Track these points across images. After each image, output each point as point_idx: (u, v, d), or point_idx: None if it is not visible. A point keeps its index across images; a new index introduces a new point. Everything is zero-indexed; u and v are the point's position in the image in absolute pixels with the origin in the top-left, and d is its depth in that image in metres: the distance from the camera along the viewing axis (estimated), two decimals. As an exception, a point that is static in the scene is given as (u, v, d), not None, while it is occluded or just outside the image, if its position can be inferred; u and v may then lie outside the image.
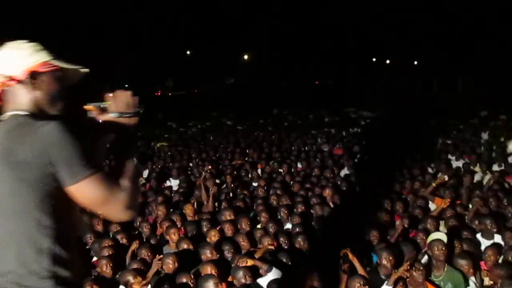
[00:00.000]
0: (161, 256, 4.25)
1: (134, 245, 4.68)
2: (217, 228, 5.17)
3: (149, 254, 4.51)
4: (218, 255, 4.42)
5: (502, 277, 3.74)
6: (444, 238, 4.22)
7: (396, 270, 3.87)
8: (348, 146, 11.13)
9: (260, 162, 9.58)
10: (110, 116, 1.76)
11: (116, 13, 28.29)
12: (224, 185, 7.67)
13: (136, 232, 5.68)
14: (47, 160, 1.49)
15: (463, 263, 4.07)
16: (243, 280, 3.79)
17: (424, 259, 4.28)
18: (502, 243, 4.61)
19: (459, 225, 5.11)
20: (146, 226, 5.61)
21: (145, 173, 9.17)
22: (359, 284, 3.65)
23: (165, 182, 8.41)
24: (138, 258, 4.50)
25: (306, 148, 11.33)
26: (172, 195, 7.31)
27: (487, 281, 4.08)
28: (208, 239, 4.87)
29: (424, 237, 4.66)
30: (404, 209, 5.90)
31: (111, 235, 5.26)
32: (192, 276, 3.84)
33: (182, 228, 5.39)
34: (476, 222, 5.10)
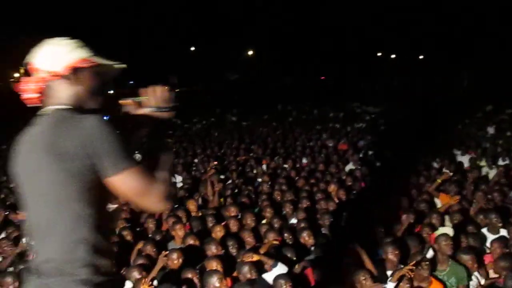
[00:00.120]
0: (167, 252, 4.26)
1: (140, 245, 4.69)
2: (222, 224, 5.18)
3: (154, 250, 4.53)
4: (223, 251, 4.43)
5: (506, 269, 3.74)
6: (451, 232, 4.22)
7: (402, 266, 3.87)
8: (353, 142, 11.11)
9: (264, 158, 9.58)
10: (146, 110, 1.81)
11: (116, 13, 28.35)
12: (229, 181, 7.68)
13: (141, 229, 5.69)
14: (89, 153, 1.54)
15: (466, 258, 4.07)
16: (248, 276, 3.80)
17: (429, 254, 4.27)
18: (508, 237, 4.59)
19: (464, 220, 5.09)
20: (152, 222, 5.62)
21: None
22: (363, 278, 3.65)
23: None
24: (143, 254, 4.52)
25: (311, 143, 11.32)
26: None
27: (492, 274, 4.07)
28: (213, 235, 4.88)
29: (429, 232, 4.65)
30: (409, 204, 5.88)
31: (116, 232, 5.28)
32: (197, 272, 3.86)
33: (187, 224, 5.41)
34: (481, 217, 5.08)
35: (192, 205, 5.93)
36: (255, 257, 3.97)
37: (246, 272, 3.81)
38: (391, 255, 4.10)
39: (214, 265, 3.88)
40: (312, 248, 4.55)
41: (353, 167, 8.38)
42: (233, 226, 5.14)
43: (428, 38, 32.15)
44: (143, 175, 1.62)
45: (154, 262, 4.21)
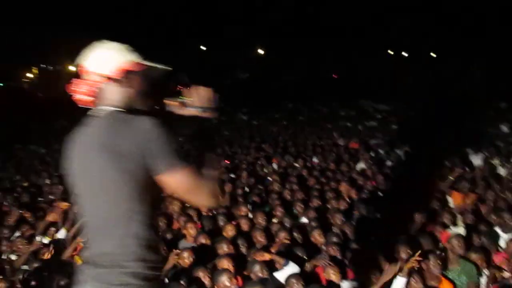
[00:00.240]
0: (178, 250, 4.29)
1: None
2: (233, 223, 5.19)
3: (165, 248, 4.56)
4: (234, 250, 4.45)
5: None
6: (462, 232, 4.20)
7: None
8: (364, 140, 11.05)
9: (275, 156, 9.58)
10: (191, 110, 1.87)
11: (120, 13, 28.57)
12: (240, 180, 7.69)
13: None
14: (145, 153, 1.63)
15: (476, 256, 4.05)
16: (259, 274, 3.81)
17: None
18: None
19: (476, 218, 5.05)
20: (162, 220, 5.65)
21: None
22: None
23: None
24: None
25: (322, 142, 11.29)
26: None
27: (507, 274, 4.04)
28: (224, 234, 4.90)
29: (441, 231, 4.62)
30: (421, 203, 5.84)
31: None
32: (208, 270, 3.88)
33: (198, 222, 5.43)
34: (493, 216, 5.03)
35: (202, 205, 5.96)
36: (267, 256, 3.98)
37: (258, 271, 3.82)
38: (403, 253, 4.08)
39: (225, 263, 3.90)
40: (323, 247, 4.55)
41: (364, 166, 8.34)
42: (244, 225, 5.16)
43: (439, 35, 31.82)
44: (193, 174, 1.70)
45: (165, 260, 4.23)
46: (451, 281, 3.94)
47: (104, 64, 1.77)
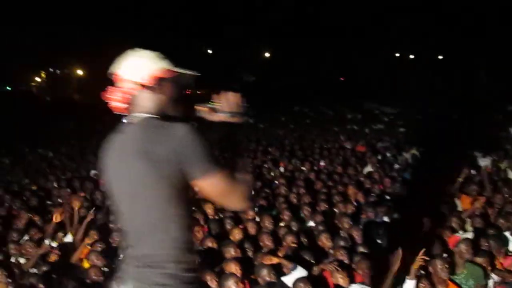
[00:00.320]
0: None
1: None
2: (240, 227, 5.19)
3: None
4: (241, 253, 4.44)
5: None
6: (471, 236, 4.18)
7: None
8: (371, 143, 11.02)
9: (282, 160, 9.57)
10: (220, 116, 1.91)
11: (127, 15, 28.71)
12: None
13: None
14: (181, 158, 1.67)
15: (481, 260, 4.03)
16: (267, 278, 3.80)
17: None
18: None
19: (485, 222, 5.02)
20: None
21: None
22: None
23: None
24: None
25: (329, 145, 11.27)
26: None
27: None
28: (231, 238, 4.89)
29: (449, 235, 4.60)
30: (430, 206, 5.81)
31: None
32: (216, 274, 3.88)
33: (205, 226, 5.43)
34: (501, 220, 4.99)
35: (209, 209, 5.95)
36: (274, 260, 3.98)
37: (265, 275, 3.81)
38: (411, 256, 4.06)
39: (232, 267, 3.89)
40: (331, 251, 4.53)
41: (372, 169, 8.31)
42: (251, 228, 5.15)
43: (446, 38, 31.68)
44: (227, 178, 1.75)
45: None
46: (458, 285, 3.92)
47: (137, 72, 1.81)
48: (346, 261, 4.17)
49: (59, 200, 7.45)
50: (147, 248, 1.76)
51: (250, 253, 4.54)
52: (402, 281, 3.79)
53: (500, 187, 6.19)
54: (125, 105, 1.83)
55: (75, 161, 11.33)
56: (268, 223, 5.24)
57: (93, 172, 9.60)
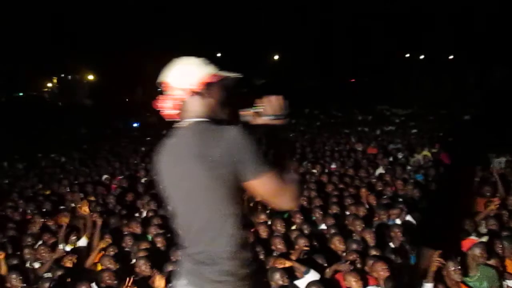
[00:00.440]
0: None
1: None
2: (252, 230, 5.19)
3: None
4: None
5: None
6: (485, 239, 4.13)
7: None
8: (383, 145, 10.96)
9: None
10: (264, 119, 1.96)
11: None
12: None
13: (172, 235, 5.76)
14: (234, 160, 1.74)
15: (496, 262, 3.99)
16: (280, 282, 3.80)
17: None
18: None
19: (499, 224, 4.96)
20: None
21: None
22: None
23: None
24: (174, 259, 4.58)
25: (340, 147, 11.22)
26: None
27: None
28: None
29: (464, 237, 4.55)
30: (443, 208, 5.76)
31: (150, 238, 5.38)
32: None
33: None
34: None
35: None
36: (287, 263, 3.97)
37: (278, 279, 3.81)
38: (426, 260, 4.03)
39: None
40: (343, 254, 4.51)
41: (383, 171, 8.26)
42: (263, 232, 5.15)
43: (457, 37, 31.39)
44: (277, 178, 1.80)
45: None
46: (471, 288, 3.89)
47: (186, 79, 1.88)
48: (359, 265, 4.15)
49: (72, 205, 7.52)
50: (203, 246, 1.84)
51: (261, 257, 4.53)
52: (420, 285, 3.77)
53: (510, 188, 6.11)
54: (176, 112, 1.91)
55: (88, 166, 11.42)
56: (280, 226, 5.23)
57: (105, 176, 9.68)
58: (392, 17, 32.35)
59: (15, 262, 4.87)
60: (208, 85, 1.90)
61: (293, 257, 4.20)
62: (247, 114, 1.99)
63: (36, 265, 5.00)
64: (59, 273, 4.49)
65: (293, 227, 5.45)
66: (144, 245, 4.92)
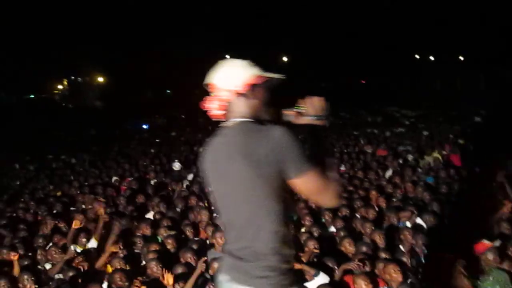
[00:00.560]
0: (205, 258, 4.34)
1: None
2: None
3: (194, 258, 4.60)
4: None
5: None
6: (497, 243, 4.10)
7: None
8: (392, 147, 10.90)
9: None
10: (306, 119, 2.01)
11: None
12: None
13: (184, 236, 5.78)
14: (278, 159, 1.79)
15: (507, 266, 3.95)
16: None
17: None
18: None
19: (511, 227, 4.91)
20: (189, 230, 5.70)
21: (190, 176, 9.34)
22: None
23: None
24: (183, 262, 4.60)
25: (349, 149, 11.18)
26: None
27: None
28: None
29: (476, 240, 4.51)
30: (454, 211, 5.72)
31: (160, 239, 5.40)
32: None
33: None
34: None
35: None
36: (297, 266, 3.96)
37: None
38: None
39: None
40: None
41: (393, 174, 8.21)
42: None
43: (467, 38, 31.12)
44: (320, 177, 1.85)
45: (194, 269, 4.27)
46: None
47: (231, 81, 1.94)
48: (367, 268, 4.13)
49: (83, 206, 7.58)
50: (246, 242, 1.87)
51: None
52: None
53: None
54: (222, 112, 1.97)
55: (97, 168, 11.51)
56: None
57: (114, 178, 9.74)
58: (402, 17, 32.19)
59: (26, 262, 4.91)
60: (253, 87, 1.96)
61: (303, 260, 4.19)
62: (289, 114, 2.04)
63: (47, 266, 5.04)
64: (70, 274, 4.52)
65: (303, 230, 5.44)
66: (154, 247, 4.94)
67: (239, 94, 1.94)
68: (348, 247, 4.60)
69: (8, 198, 9.07)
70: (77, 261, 4.86)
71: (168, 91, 38.63)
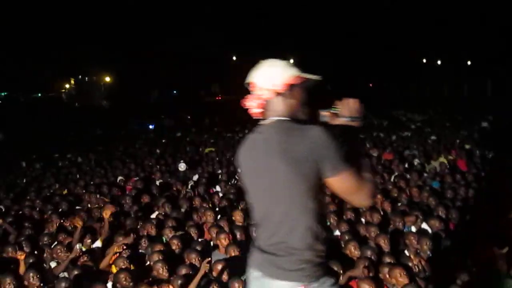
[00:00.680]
0: (209, 259, 4.34)
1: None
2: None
3: (199, 259, 4.60)
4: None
5: None
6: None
7: None
8: (398, 151, 10.85)
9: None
10: (341, 120, 2.06)
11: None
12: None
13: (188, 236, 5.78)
14: (316, 158, 1.84)
15: None
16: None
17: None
18: None
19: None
20: (194, 231, 5.70)
21: (195, 177, 9.35)
22: None
23: (213, 188, 8.53)
24: (188, 262, 4.60)
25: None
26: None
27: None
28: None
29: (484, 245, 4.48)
30: (462, 216, 5.68)
31: (164, 240, 5.41)
32: (244, 282, 3.88)
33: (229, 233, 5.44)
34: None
35: (238, 216, 5.96)
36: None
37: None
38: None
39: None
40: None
41: (399, 178, 8.16)
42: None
43: (474, 43, 30.98)
44: (355, 177, 1.91)
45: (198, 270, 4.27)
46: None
47: (272, 80, 1.99)
48: (371, 273, 4.11)
49: (89, 205, 7.61)
50: (281, 237, 1.92)
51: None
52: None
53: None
54: (261, 110, 2.03)
55: (103, 167, 11.55)
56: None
57: (119, 178, 9.77)
58: (409, 22, 32.10)
59: (31, 260, 4.94)
60: (291, 87, 2.00)
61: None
62: (325, 114, 2.10)
63: (53, 264, 5.06)
64: (75, 273, 4.54)
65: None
66: (158, 247, 4.95)
67: (278, 94, 1.99)
68: (353, 250, 4.58)
69: (14, 196, 9.12)
70: (82, 260, 4.88)
71: (175, 91, 38.75)
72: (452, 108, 20.97)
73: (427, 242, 4.71)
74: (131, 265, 4.60)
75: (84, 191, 8.69)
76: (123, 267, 4.47)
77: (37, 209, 7.57)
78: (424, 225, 5.48)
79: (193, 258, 4.64)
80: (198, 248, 5.04)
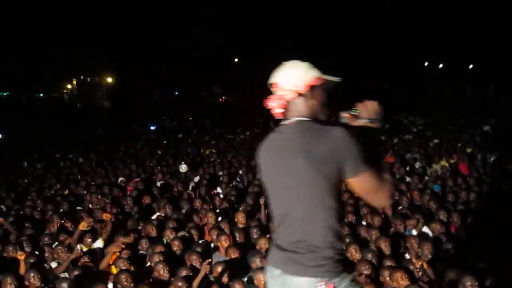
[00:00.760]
0: (210, 260, 4.34)
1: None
2: (267, 236, 5.18)
3: (199, 260, 4.60)
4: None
5: None
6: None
7: None
8: (400, 154, 10.84)
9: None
10: (361, 122, 2.09)
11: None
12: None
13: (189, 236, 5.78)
14: (337, 158, 1.87)
15: None
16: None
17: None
18: None
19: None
20: (195, 232, 5.70)
21: (196, 179, 9.35)
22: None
23: (214, 189, 8.53)
24: (189, 264, 4.60)
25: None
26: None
27: None
28: (258, 247, 4.89)
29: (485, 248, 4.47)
30: (460, 220, 5.68)
31: (165, 241, 5.41)
32: (245, 284, 3.88)
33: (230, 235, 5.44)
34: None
35: (240, 217, 5.96)
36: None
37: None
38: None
39: (261, 277, 3.88)
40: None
41: (400, 181, 8.16)
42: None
43: (474, 43, 30.93)
44: (375, 177, 1.94)
45: (199, 272, 4.27)
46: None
47: (294, 81, 2.02)
48: (374, 274, 4.11)
49: (90, 206, 7.61)
50: (301, 235, 1.95)
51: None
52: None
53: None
54: (282, 110, 2.05)
55: (104, 168, 11.55)
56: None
57: (120, 179, 9.78)
58: (409, 22, 32.09)
59: (32, 260, 4.94)
60: (312, 88, 2.04)
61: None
62: (345, 115, 2.12)
63: (53, 264, 5.06)
64: (76, 273, 4.54)
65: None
66: (159, 248, 4.95)
67: (300, 94, 2.02)
68: (354, 253, 4.57)
69: (15, 196, 9.13)
70: (82, 261, 4.88)
71: (176, 92, 38.78)
72: (454, 111, 20.96)
73: (428, 245, 4.71)
74: (132, 266, 4.60)
75: (85, 191, 8.70)
76: (124, 268, 4.47)
77: (38, 209, 7.58)
78: (425, 229, 5.48)
79: (194, 260, 4.64)
80: (199, 249, 5.04)
